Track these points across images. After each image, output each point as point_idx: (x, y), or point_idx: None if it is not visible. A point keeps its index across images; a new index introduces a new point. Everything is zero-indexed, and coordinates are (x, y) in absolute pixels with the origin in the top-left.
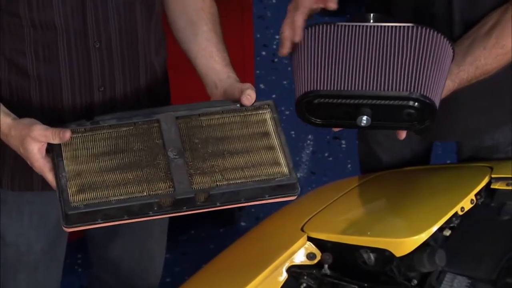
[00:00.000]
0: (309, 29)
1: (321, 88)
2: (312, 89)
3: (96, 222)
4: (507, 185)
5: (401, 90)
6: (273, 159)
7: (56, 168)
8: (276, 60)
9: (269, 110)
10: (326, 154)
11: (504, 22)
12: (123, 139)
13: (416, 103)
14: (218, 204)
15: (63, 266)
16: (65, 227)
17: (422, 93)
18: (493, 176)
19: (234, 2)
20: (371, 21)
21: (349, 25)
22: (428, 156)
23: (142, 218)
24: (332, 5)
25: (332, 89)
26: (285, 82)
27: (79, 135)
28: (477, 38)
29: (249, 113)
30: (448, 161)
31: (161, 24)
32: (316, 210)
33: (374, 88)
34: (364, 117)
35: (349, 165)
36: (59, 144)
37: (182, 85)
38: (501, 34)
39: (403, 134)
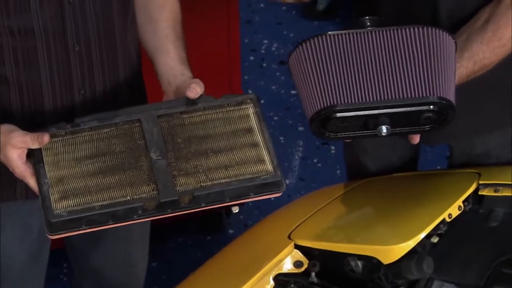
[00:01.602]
0: (313, 40)
1: (336, 102)
2: (326, 104)
3: (81, 228)
4: (495, 191)
5: (417, 95)
6: (257, 157)
7: (38, 175)
8: (264, 65)
9: (251, 105)
10: (315, 160)
11: (497, 15)
12: (104, 141)
13: (434, 107)
14: (203, 205)
15: (48, 275)
16: (49, 235)
17: (438, 95)
18: (481, 182)
19: (220, 6)
20: (368, 24)
21: (354, 33)
22: (415, 161)
23: (127, 222)
24: None
25: (348, 102)
26: (273, 87)
27: (60, 138)
28: (473, 33)
29: (232, 108)
30: (438, 167)
31: (135, 23)
32: (303, 218)
33: (391, 96)
34: (384, 127)
35: (338, 171)
36: (40, 149)
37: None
38: (496, 27)
39: (417, 138)
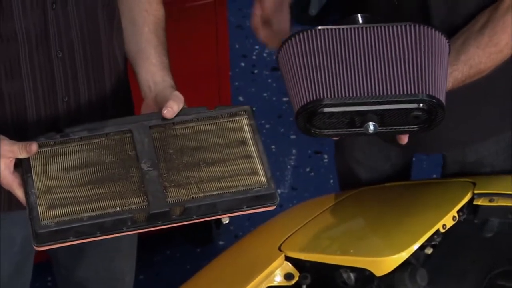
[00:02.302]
0: (302, 34)
1: (323, 97)
2: (313, 98)
3: (68, 240)
4: (490, 201)
5: (406, 92)
6: (251, 169)
7: (25, 185)
8: (255, 71)
9: (245, 117)
10: (308, 169)
11: (495, 19)
12: (94, 152)
13: (423, 105)
14: (194, 217)
15: None
16: (36, 246)
17: (428, 93)
18: (475, 191)
19: (208, 11)
20: (361, 21)
21: (345, 28)
22: (408, 170)
23: (116, 234)
24: None
25: (334, 97)
26: (265, 94)
27: (49, 148)
28: (470, 37)
29: (225, 120)
30: (434, 175)
31: (121, 28)
32: (294, 229)
33: (379, 93)
34: (371, 124)
35: (331, 180)
36: (28, 159)
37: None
38: (493, 32)
39: (405, 139)
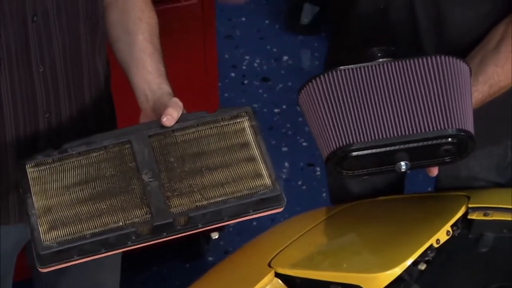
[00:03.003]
0: (323, 76)
1: (352, 141)
2: (341, 143)
3: (72, 259)
4: (485, 215)
5: (434, 128)
6: (255, 171)
7: (25, 206)
8: (246, 82)
9: (247, 118)
10: (300, 182)
11: (510, 36)
12: (94, 166)
13: (453, 139)
14: (200, 226)
15: None
16: (40, 268)
17: (457, 127)
18: (470, 205)
19: (194, 20)
20: (379, 55)
21: (367, 66)
22: (401, 184)
23: (121, 249)
24: None
25: (364, 140)
26: (256, 106)
27: (47, 166)
28: (486, 55)
29: (226, 123)
30: (429, 188)
31: (105, 42)
32: (284, 244)
33: (407, 131)
34: (403, 163)
35: (323, 194)
36: (27, 179)
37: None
38: (510, 49)
39: (435, 171)
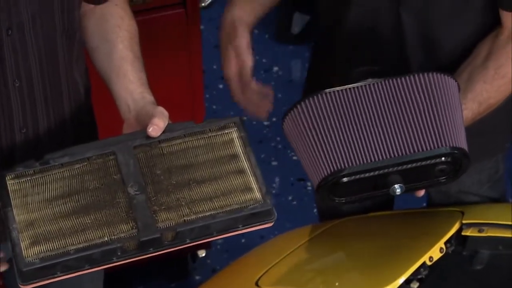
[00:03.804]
0: (308, 100)
1: (342, 167)
2: (332, 170)
3: (56, 275)
4: (480, 231)
5: (427, 148)
6: (244, 184)
7: (6, 220)
8: None
9: (235, 129)
10: (290, 198)
11: (497, 51)
12: (77, 178)
13: (448, 158)
14: (188, 241)
15: None
16: (21, 285)
17: (450, 145)
18: (464, 221)
19: (178, 29)
20: (365, 75)
21: (353, 87)
22: (391, 200)
23: (106, 265)
24: None
25: (355, 164)
26: (245, 118)
27: (28, 178)
28: (474, 72)
29: (214, 134)
30: (424, 204)
31: (83, 52)
32: (272, 262)
33: (400, 153)
34: (397, 186)
35: (314, 210)
36: (7, 192)
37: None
38: (498, 64)
39: (421, 192)
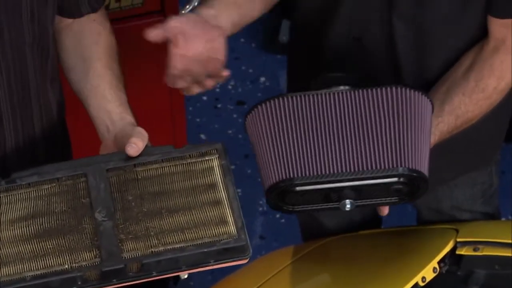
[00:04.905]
0: (269, 102)
1: (295, 175)
2: (283, 177)
3: None
4: (475, 250)
5: (385, 166)
6: (219, 217)
7: None
8: (219, 105)
9: (216, 156)
10: (278, 216)
11: (480, 62)
12: (44, 200)
13: (403, 179)
14: (154, 274)
15: None
16: None
17: (408, 166)
18: (458, 239)
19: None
20: (333, 83)
21: (315, 94)
22: (379, 218)
23: None
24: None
25: (308, 174)
26: (230, 132)
27: None
28: (454, 83)
29: (194, 160)
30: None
31: (58, 69)
32: (258, 283)
33: (355, 168)
34: (348, 201)
35: None
36: None
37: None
38: (480, 76)
39: (385, 210)
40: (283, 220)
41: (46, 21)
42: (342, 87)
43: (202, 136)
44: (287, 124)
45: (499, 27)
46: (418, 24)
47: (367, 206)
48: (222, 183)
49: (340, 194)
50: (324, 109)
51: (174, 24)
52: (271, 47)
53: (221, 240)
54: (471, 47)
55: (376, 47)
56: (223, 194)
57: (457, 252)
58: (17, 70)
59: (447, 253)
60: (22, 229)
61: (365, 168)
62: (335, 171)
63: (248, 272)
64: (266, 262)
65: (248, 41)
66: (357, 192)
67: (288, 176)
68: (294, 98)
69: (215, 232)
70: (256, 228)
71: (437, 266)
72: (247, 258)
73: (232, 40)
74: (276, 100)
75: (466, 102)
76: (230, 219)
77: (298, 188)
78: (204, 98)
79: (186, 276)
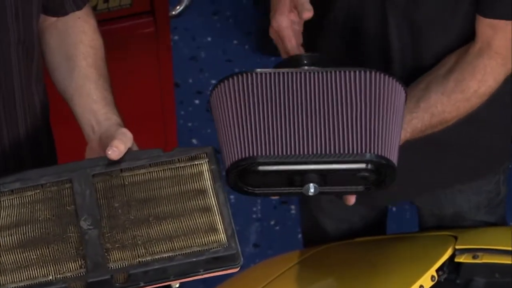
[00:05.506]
0: (237, 77)
1: (257, 154)
2: (245, 155)
3: None
4: (474, 257)
5: (352, 151)
6: (209, 224)
7: None
8: None
9: (206, 160)
10: (272, 222)
11: (464, 63)
12: (27, 207)
13: (371, 165)
14: (141, 284)
15: None
16: None
17: (377, 152)
18: (457, 247)
19: (147, 38)
20: (305, 63)
21: (285, 72)
22: (383, 223)
23: None
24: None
25: (270, 154)
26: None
27: None
28: (434, 82)
29: (182, 164)
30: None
31: (42, 69)
32: None
33: (321, 151)
34: (312, 185)
35: (299, 235)
36: None
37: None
38: (461, 77)
39: (352, 199)
40: (277, 227)
41: (31, 20)
42: (313, 67)
43: (194, 141)
44: (253, 101)
45: (486, 27)
46: (411, 20)
47: (331, 194)
48: (212, 188)
49: (303, 177)
50: (293, 88)
51: None
52: (265, 48)
53: (211, 248)
54: (462, 45)
55: (370, 42)
56: (213, 201)
57: (456, 260)
58: (1, 71)
59: (446, 260)
60: (5, 238)
61: (331, 152)
62: (300, 153)
63: (243, 279)
64: (263, 268)
65: (241, 43)
66: (322, 177)
67: (250, 155)
68: (263, 75)
69: (204, 241)
70: (250, 235)
71: (435, 274)
72: (237, 267)
73: (225, 42)
74: (244, 76)
75: (444, 101)
76: (220, 226)
77: (260, 168)
78: (196, 102)
79: (177, 286)
